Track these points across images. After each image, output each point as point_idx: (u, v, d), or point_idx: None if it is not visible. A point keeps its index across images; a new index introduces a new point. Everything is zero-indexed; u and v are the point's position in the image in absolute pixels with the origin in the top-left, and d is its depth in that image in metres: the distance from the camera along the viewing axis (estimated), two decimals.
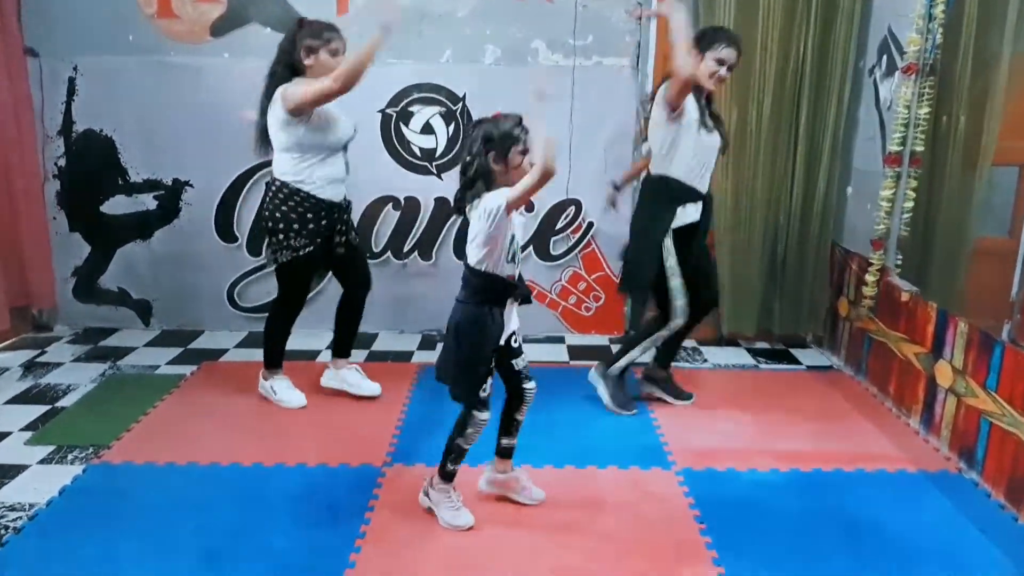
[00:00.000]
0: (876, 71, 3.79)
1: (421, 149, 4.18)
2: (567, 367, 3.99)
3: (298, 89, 2.96)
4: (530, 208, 4.25)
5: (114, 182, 4.22)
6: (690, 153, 3.07)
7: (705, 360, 4.10)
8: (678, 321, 3.22)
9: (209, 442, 3.08)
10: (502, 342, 2.44)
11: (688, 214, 3.14)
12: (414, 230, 4.26)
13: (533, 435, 2.85)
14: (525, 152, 2.29)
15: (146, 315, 4.42)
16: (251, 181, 4.18)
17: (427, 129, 4.16)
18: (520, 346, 2.56)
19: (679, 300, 3.18)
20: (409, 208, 4.22)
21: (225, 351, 4.11)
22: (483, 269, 2.33)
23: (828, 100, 3.93)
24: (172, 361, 3.98)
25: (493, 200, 2.25)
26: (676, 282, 3.16)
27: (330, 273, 4.05)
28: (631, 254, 3.29)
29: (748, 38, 3.83)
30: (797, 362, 4.10)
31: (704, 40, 3.03)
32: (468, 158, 2.31)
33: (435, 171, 4.20)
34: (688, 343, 4.30)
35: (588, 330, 4.44)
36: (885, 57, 3.70)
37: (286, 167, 3.10)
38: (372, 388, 3.51)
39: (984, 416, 2.85)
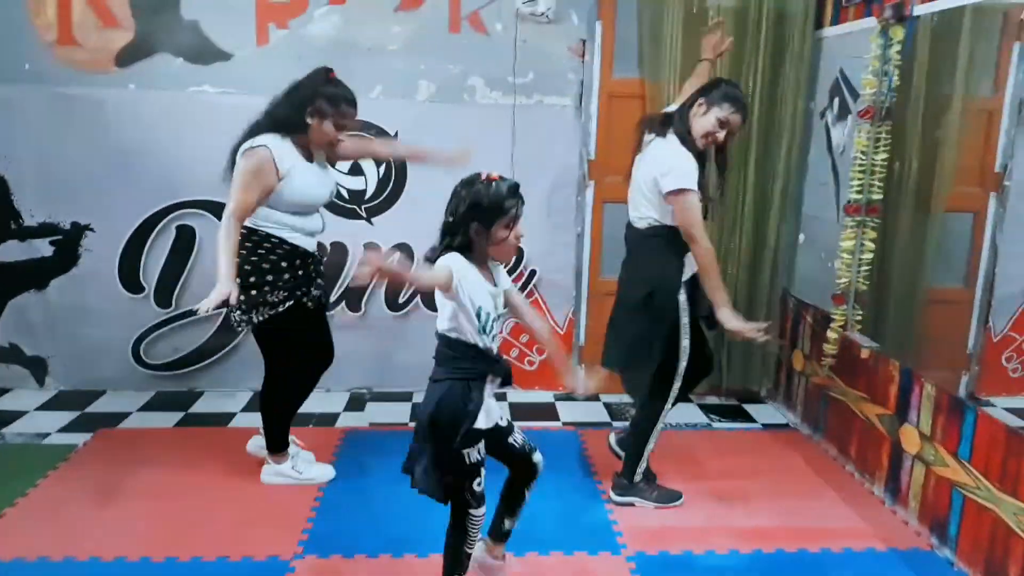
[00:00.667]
0: (828, 114, 3.63)
1: (349, 191, 3.87)
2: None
3: (237, 172, 2.69)
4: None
5: (5, 226, 3.79)
6: None
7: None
8: (677, 385, 2.88)
9: (93, 530, 2.68)
10: (488, 425, 2.12)
11: (692, 263, 2.79)
12: (341, 279, 3.92)
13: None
14: (510, 226, 2.03)
15: (41, 374, 3.96)
16: (160, 225, 3.80)
17: (355, 170, 3.85)
18: (510, 423, 2.26)
19: (683, 363, 2.84)
20: (335, 255, 3.88)
21: (127, 415, 3.69)
22: (455, 337, 2.06)
23: (778, 144, 3.76)
24: (65, 428, 3.54)
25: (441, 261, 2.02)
26: (686, 343, 2.81)
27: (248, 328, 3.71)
28: (636, 320, 2.83)
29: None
30: (751, 419, 3.87)
31: (715, 92, 2.71)
32: (451, 219, 2.04)
33: (364, 215, 3.89)
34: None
35: (531, 385, 4.13)
36: (837, 99, 3.54)
37: (259, 211, 2.73)
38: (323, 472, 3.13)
39: (956, 488, 2.62)
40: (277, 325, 2.82)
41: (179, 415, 3.70)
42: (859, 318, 3.29)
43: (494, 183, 2.03)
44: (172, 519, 2.77)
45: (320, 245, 3.03)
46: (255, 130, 2.73)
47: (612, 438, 3.25)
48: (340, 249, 3.89)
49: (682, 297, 2.78)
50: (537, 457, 2.27)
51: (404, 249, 3.90)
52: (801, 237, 3.86)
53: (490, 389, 2.14)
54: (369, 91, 3.75)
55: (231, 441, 3.32)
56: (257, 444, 3.15)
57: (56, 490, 2.96)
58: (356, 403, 3.92)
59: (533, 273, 4.02)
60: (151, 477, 3.06)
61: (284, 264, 2.76)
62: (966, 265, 3.12)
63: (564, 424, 3.72)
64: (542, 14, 3.68)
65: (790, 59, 3.68)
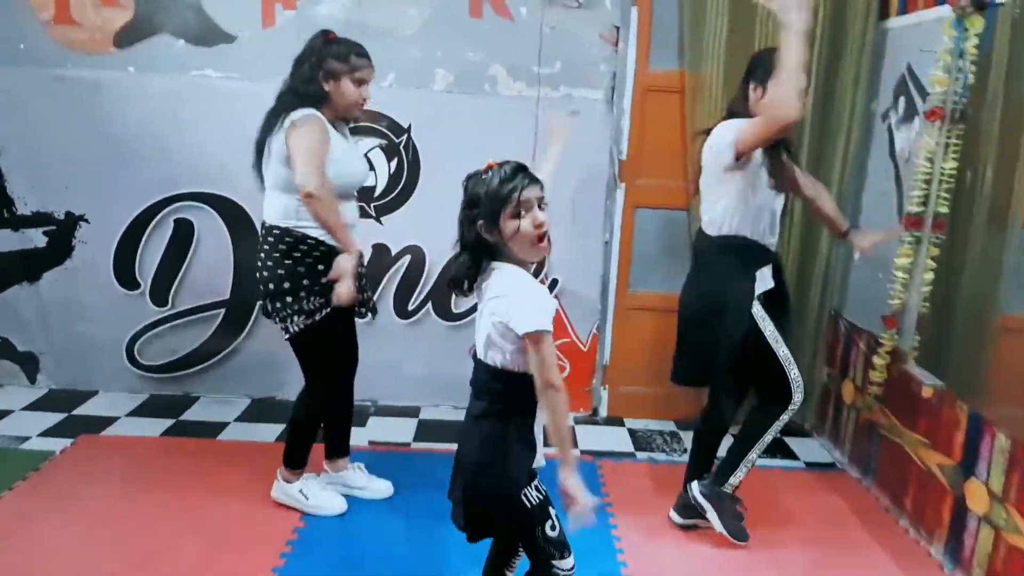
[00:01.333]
0: (892, 115, 3.21)
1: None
2: None
3: (300, 146, 2.40)
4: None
5: None
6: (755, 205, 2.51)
7: (685, 450, 3.46)
8: (798, 397, 2.60)
9: (53, 552, 2.44)
10: (540, 464, 1.83)
11: (765, 280, 2.57)
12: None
13: (460, 559, 2.22)
14: (521, 213, 1.72)
15: (32, 371, 3.77)
16: (158, 217, 3.57)
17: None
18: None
19: (793, 371, 2.57)
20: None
21: (114, 420, 3.46)
22: (515, 369, 1.75)
23: (833, 147, 3.37)
24: (47, 431, 3.33)
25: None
26: (784, 351, 2.56)
27: (246, 330, 3.46)
28: (709, 336, 2.57)
29: (741, 72, 3.22)
30: (793, 455, 3.47)
31: (763, 68, 2.45)
32: (459, 227, 1.80)
33: (374, 213, 3.59)
34: (666, 425, 3.69)
35: None
36: (903, 99, 3.13)
37: (287, 208, 2.48)
38: (382, 488, 2.89)
39: None
40: (315, 334, 2.54)
41: (169, 422, 3.46)
42: (916, 346, 2.89)
43: (490, 171, 1.75)
44: (141, 542, 2.53)
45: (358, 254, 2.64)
46: (277, 113, 2.46)
47: (673, 514, 2.84)
48: None
49: (757, 309, 2.53)
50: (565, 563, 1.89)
51: (415, 251, 3.60)
52: (856, 254, 3.43)
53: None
54: (381, 80, 3.44)
55: (218, 455, 3.10)
56: (330, 480, 2.88)
57: (25, 503, 2.74)
58: (359, 417, 3.59)
59: (555, 283, 3.68)
60: (127, 492, 2.83)
61: (322, 267, 2.49)
62: None
63: (582, 453, 3.37)
64: None
65: (850, 53, 3.28)
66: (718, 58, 3.29)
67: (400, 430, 3.50)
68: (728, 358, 2.57)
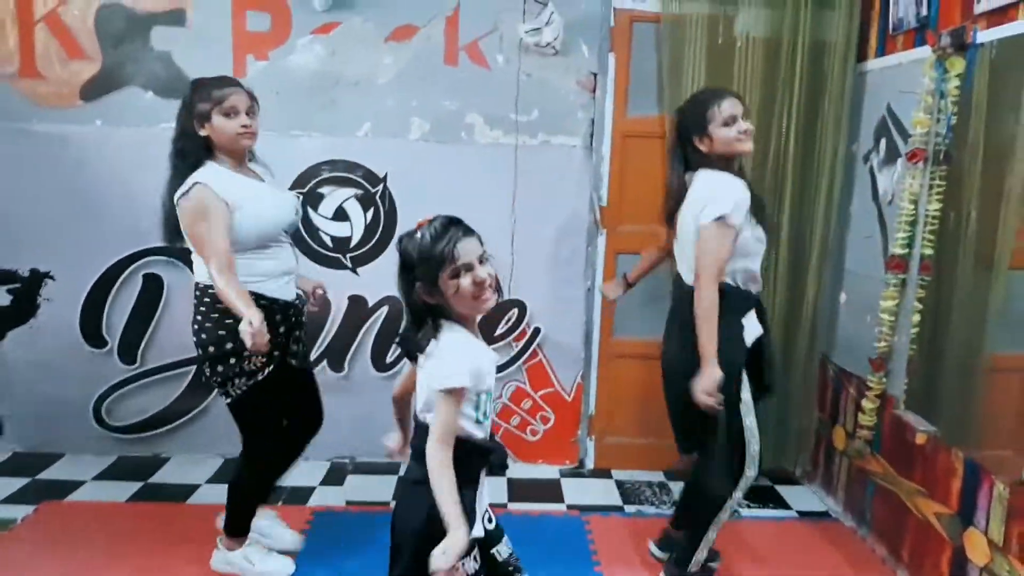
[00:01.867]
0: (873, 157, 3.19)
1: (333, 238, 3.50)
2: (505, 511, 3.21)
3: (189, 229, 2.38)
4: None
5: None
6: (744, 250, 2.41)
7: (674, 502, 3.34)
8: (751, 473, 2.49)
9: None
10: (480, 533, 1.76)
11: (753, 326, 2.46)
12: (323, 335, 3.54)
13: None
14: (458, 273, 1.65)
15: None
16: (126, 272, 3.46)
17: (340, 215, 3.48)
18: (497, 525, 1.87)
19: (754, 445, 2.46)
20: (317, 310, 3.49)
21: (81, 484, 3.31)
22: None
23: (816, 191, 3.32)
24: (8, 498, 3.17)
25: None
26: (750, 420, 2.46)
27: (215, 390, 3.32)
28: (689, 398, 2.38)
29: None
30: (785, 504, 3.37)
31: (692, 120, 2.44)
32: (400, 292, 1.75)
33: (349, 264, 3.51)
34: (655, 476, 3.59)
35: (534, 459, 3.69)
36: (884, 141, 3.11)
37: None
38: (292, 540, 2.80)
39: None
40: (257, 396, 2.44)
41: (138, 485, 3.31)
42: (904, 389, 2.82)
43: (419, 231, 1.69)
44: None
45: (299, 295, 2.63)
46: (175, 180, 2.40)
47: (651, 546, 2.80)
48: (321, 302, 3.50)
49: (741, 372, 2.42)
50: None
51: (393, 302, 3.51)
52: (843, 297, 3.39)
53: (483, 482, 1.78)
54: (357, 129, 3.41)
55: (188, 520, 2.97)
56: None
57: None
58: (336, 476, 3.50)
59: (537, 332, 3.60)
60: (90, 561, 2.69)
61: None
62: None
63: (568, 508, 3.26)
64: (548, 44, 3.31)
65: (829, 95, 3.26)
66: None
67: (378, 489, 3.36)
68: (711, 420, 2.41)
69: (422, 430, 1.71)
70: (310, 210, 3.45)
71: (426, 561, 1.57)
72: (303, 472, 3.44)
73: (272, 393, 2.49)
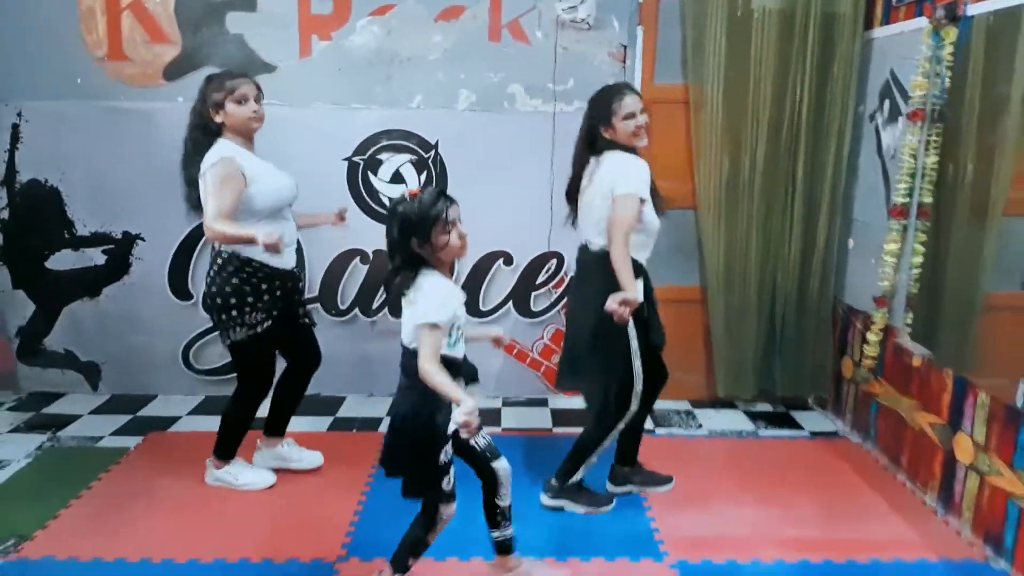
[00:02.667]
0: (878, 117, 3.55)
1: (391, 199, 3.89)
2: (550, 435, 3.66)
3: (206, 191, 2.77)
4: (509, 262, 3.96)
5: (60, 235, 3.91)
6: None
7: (700, 425, 3.78)
8: (634, 407, 2.85)
9: (143, 532, 2.74)
10: (453, 428, 2.14)
11: (639, 291, 2.73)
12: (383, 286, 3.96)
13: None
14: (449, 229, 2.10)
15: (94, 379, 4.07)
16: (204, 239, 3.86)
17: (397, 178, 3.88)
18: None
19: (638, 386, 2.82)
20: (378, 262, 3.91)
21: (176, 419, 3.77)
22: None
23: (826, 148, 3.68)
24: (117, 431, 3.63)
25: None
26: (637, 365, 2.80)
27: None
28: (596, 341, 2.76)
29: (740, 84, 3.63)
30: (799, 427, 3.79)
31: (599, 112, 2.78)
32: (390, 244, 2.14)
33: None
34: (681, 405, 4.01)
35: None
36: (887, 102, 3.46)
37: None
38: (313, 459, 3.24)
39: (1012, 499, 2.54)
40: (252, 345, 2.89)
41: None
42: (909, 324, 3.21)
43: (416, 199, 2.11)
44: (219, 522, 2.82)
45: (293, 273, 3.01)
46: (193, 158, 2.84)
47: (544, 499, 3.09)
48: (382, 257, 3.89)
49: (631, 323, 2.70)
50: (497, 464, 2.29)
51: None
52: (851, 243, 3.77)
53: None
54: (410, 101, 3.80)
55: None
56: (268, 456, 3.22)
57: (108, 492, 3.04)
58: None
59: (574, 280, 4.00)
60: (197, 479, 3.11)
61: (264, 287, 2.84)
62: None
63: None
64: (582, 20, 3.68)
65: (838, 61, 3.61)
66: (718, 73, 3.61)
67: None
68: (604, 364, 2.79)
69: (407, 353, 2.14)
70: (370, 174, 3.86)
71: (410, 429, 2.10)
72: (370, 406, 3.94)
73: (265, 346, 2.93)
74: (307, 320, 3.11)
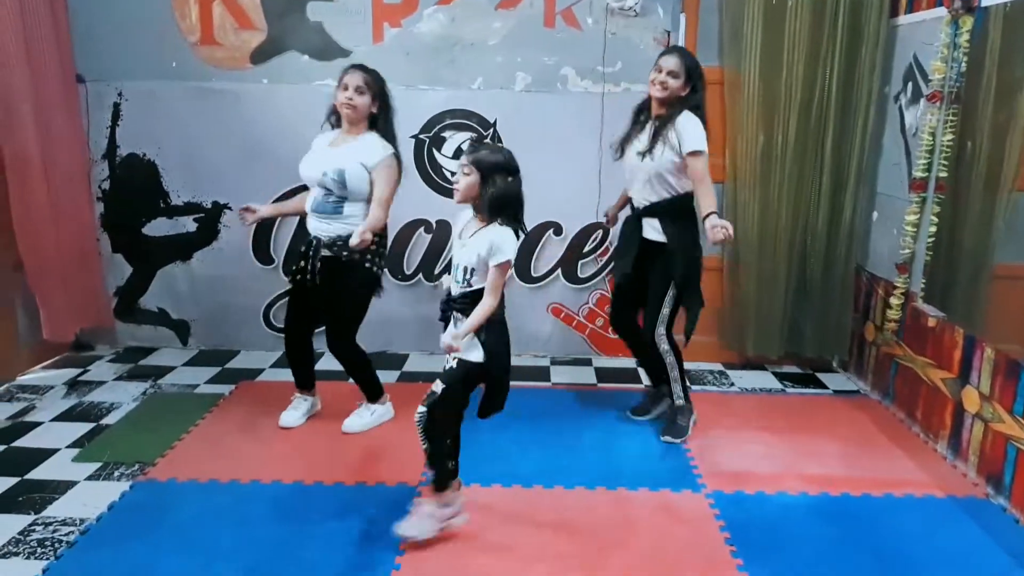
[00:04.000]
0: (902, 98, 3.84)
1: (453, 173, 4.27)
2: (595, 389, 4.05)
3: None
4: (559, 232, 4.33)
5: (156, 205, 4.35)
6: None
7: (732, 384, 4.14)
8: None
9: (249, 460, 3.17)
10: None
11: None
12: (445, 252, 4.35)
13: (564, 456, 2.94)
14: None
15: (184, 335, 4.53)
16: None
17: (459, 154, 4.25)
18: (445, 373, 2.60)
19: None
20: (441, 231, 4.31)
21: (261, 371, 4.22)
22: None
23: (854, 126, 3.98)
24: (211, 380, 4.09)
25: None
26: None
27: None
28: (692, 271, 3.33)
29: (774, 65, 3.93)
30: (824, 386, 4.14)
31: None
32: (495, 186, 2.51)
33: None
34: (715, 366, 4.36)
35: (615, 352, 4.49)
36: (910, 84, 3.76)
37: None
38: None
39: (1011, 442, 2.88)
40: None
41: None
42: (923, 288, 3.53)
43: (497, 145, 2.69)
44: (312, 453, 3.25)
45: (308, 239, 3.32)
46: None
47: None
48: (444, 226, 4.30)
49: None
50: (419, 408, 2.58)
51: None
52: (875, 215, 4.09)
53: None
54: (471, 82, 4.16)
55: (353, 393, 3.75)
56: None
57: (213, 429, 3.49)
58: None
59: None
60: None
61: (297, 238, 3.30)
62: None
63: (645, 386, 4.06)
64: (630, 8, 4.01)
65: (866, 45, 3.89)
66: (753, 57, 3.93)
67: None
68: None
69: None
70: (434, 150, 4.24)
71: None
72: (434, 362, 4.33)
73: (292, 291, 3.45)
74: (315, 283, 3.27)
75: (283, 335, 3.55)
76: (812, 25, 3.90)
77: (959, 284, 3.56)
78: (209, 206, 4.34)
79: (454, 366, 2.55)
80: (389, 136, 3.26)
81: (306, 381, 3.60)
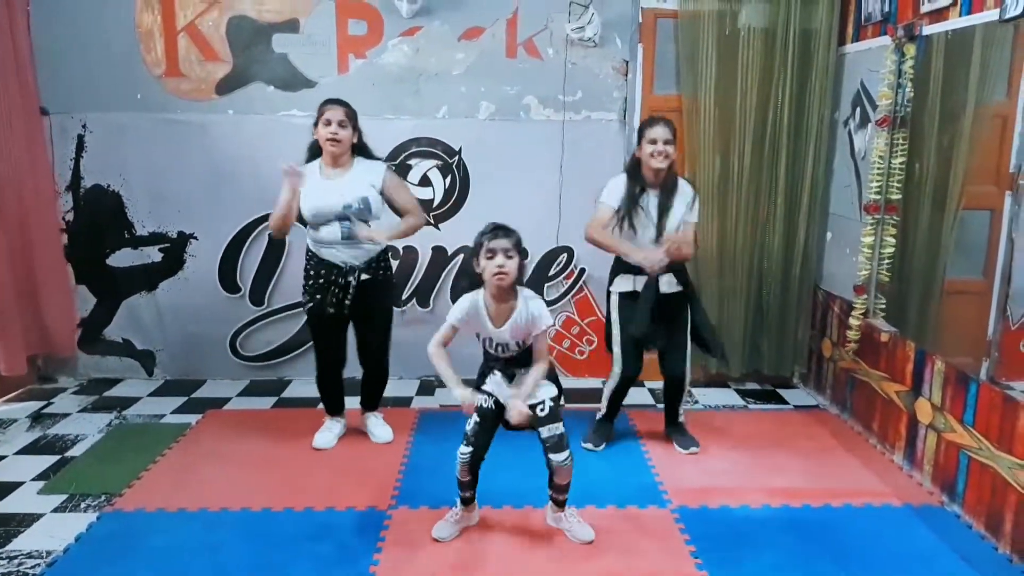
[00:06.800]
0: (850, 122, 4.00)
1: (419, 200, 4.32)
2: (563, 409, 4.08)
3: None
4: (525, 255, 4.38)
5: (120, 235, 4.35)
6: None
7: (696, 401, 4.23)
8: (617, 371, 3.56)
9: (218, 488, 3.17)
10: (497, 394, 2.76)
11: (625, 283, 3.47)
12: (412, 278, 4.40)
13: (534, 476, 2.97)
14: (489, 256, 2.64)
15: (150, 365, 4.51)
16: (254, 233, 4.32)
17: (425, 181, 4.32)
18: (549, 414, 2.75)
19: (617, 349, 3.55)
20: (408, 257, 4.36)
21: (228, 399, 4.21)
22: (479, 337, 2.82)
23: (805, 150, 4.13)
24: (177, 410, 4.07)
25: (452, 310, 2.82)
26: (616, 333, 3.53)
27: None
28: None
29: (728, 92, 4.07)
30: (784, 402, 4.25)
31: (639, 133, 3.40)
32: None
33: (432, 222, 4.36)
34: None
35: (582, 373, 4.57)
36: (858, 109, 3.92)
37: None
38: (385, 434, 3.67)
39: (963, 450, 2.99)
40: (312, 320, 3.47)
41: (273, 399, 4.21)
42: (882, 307, 3.66)
43: (486, 225, 2.69)
44: (282, 480, 3.25)
45: (345, 264, 3.31)
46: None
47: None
48: (412, 252, 4.36)
49: (614, 298, 3.52)
50: (553, 456, 2.71)
51: (467, 252, 4.35)
52: (828, 235, 4.23)
53: (500, 378, 2.82)
54: (436, 112, 4.24)
55: (323, 420, 3.78)
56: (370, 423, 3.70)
57: (180, 458, 3.47)
58: (426, 389, 4.40)
59: (583, 271, 4.45)
60: (259, 448, 3.56)
61: (311, 272, 3.35)
62: (984, 258, 3.43)
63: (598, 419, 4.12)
64: (589, 39, 4.13)
65: (815, 73, 4.06)
66: (708, 85, 4.06)
67: None
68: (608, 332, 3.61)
69: None
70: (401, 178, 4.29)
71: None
72: (401, 387, 4.36)
73: (313, 322, 3.46)
74: (337, 311, 3.35)
75: (319, 366, 3.59)
76: (764, 54, 4.05)
77: (912, 301, 3.69)
78: (175, 236, 4.35)
79: (551, 405, 2.77)
80: (370, 156, 3.42)
81: (339, 406, 3.69)
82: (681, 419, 3.67)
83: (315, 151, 3.35)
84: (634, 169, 3.39)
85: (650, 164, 3.29)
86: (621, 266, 3.47)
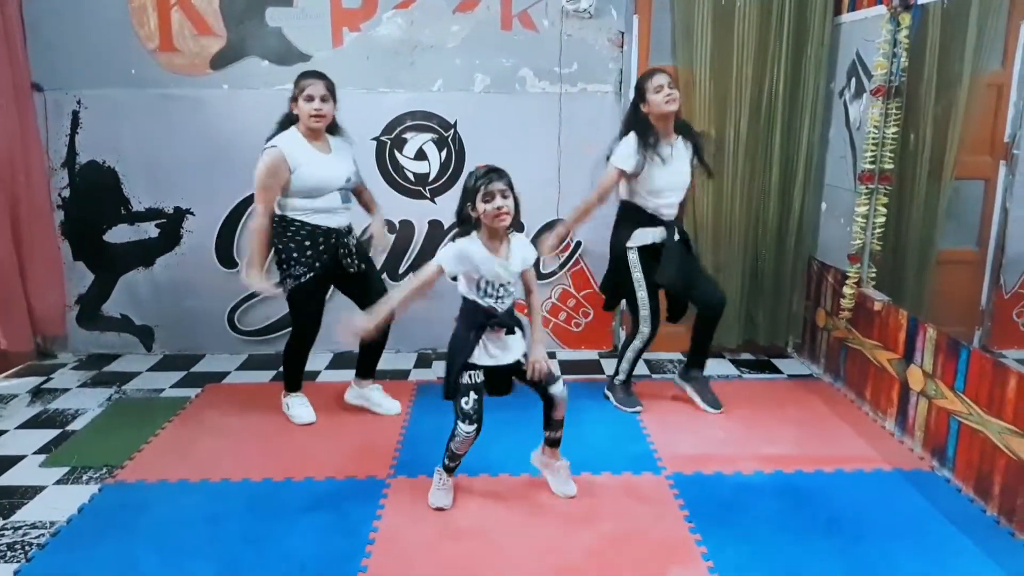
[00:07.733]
0: (846, 93, 4.00)
1: (415, 174, 4.35)
2: None
3: (258, 170, 3.25)
4: (520, 228, 4.40)
5: (117, 212, 4.35)
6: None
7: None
8: (645, 330, 3.57)
9: (219, 460, 3.21)
10: (494, 362, 2.72)
11: (645, 235, 3.47)
12: (409, 252, 4.42)
13: (531, 445, 3.01)
14: (488, 199, 2.57)
15: (148, 341, 4.54)
16: (251, 207, 4.28)
17: (420, 155, 4.33)
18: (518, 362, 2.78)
19: (644, 311, 3.53)
20: (404, 231, 4.38)
21: (227, 374, 4.24)
22: (463, 294, 2.73)
23: (801, 121, 4.14)
24: (176, 384, 4.10)
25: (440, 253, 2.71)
26: (642, 294, 3.51)
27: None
28: (614, 274, 3.65)
29: (724, 64, 4.06)
30: (779, 371, 4.29)
31: (638, 90, 3.42)
32: (458, 207, 2.67)
33: (429, 195, 4.37)
34: (675, 356, 4.48)
35: (578, 345, 4.60)
36: (854, 80, 3.92)
37: (282, 202, 3.28)
38: (392, 406, 3.68)
39: (953, 416, 3.03)
40: (298, 295, 3.36)
41: (271, 373, 4.23)
42: (873, 276, 3.68)
43: (475, 169, 2.65)
44: (282, 451, 3.29)
45: (347, 227, 3.41)
46: (269, 139, 3.29)
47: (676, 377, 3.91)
48: (408, 226, 4.38)
49: (632, 256, 3.48)
50: (553, 388, 2.78)
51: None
52: (824, 206, 4.24)
53: (496, 334, 2.72)
54: (431, 85, 4.24)
55: (321, 392, 3.79)
56: (355, 394, 3.70)
57: (181, 431, 3.51)
58: (423, 361, 4.43)
59: (579, 244, 4.47)
60: (258, 420, 3.59)
61: (307, 243, 3.28)
62: (978, 228, 3.46)
63: (607, 376, 4.16)
64: (584, 10, 4.12)
65: (811, 44, 4.05)
66: (704, 56, 4.06)
67: None
68: (622, 289, 3.60)
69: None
70: (396, 152, 4.30)
71: (447, 363, 2.78)
72: (398, 360, 4.39)
73: (308, 296, 3.36)
74: (360, 268, 3.43)
75: (301, 342, 3.55)
76: (760, 25, 4.04)
77: (905, 271, 3.72)
78: (171, 211, 4.35)
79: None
80: (338, 131, 3.41)
81: (301, 381, 3.68)
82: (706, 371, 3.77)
83: (285, 124, 3.29)
84: (642, 124, 3.38)
85: (664, 109, 3.31)
86: (634, 222, 3.48)
